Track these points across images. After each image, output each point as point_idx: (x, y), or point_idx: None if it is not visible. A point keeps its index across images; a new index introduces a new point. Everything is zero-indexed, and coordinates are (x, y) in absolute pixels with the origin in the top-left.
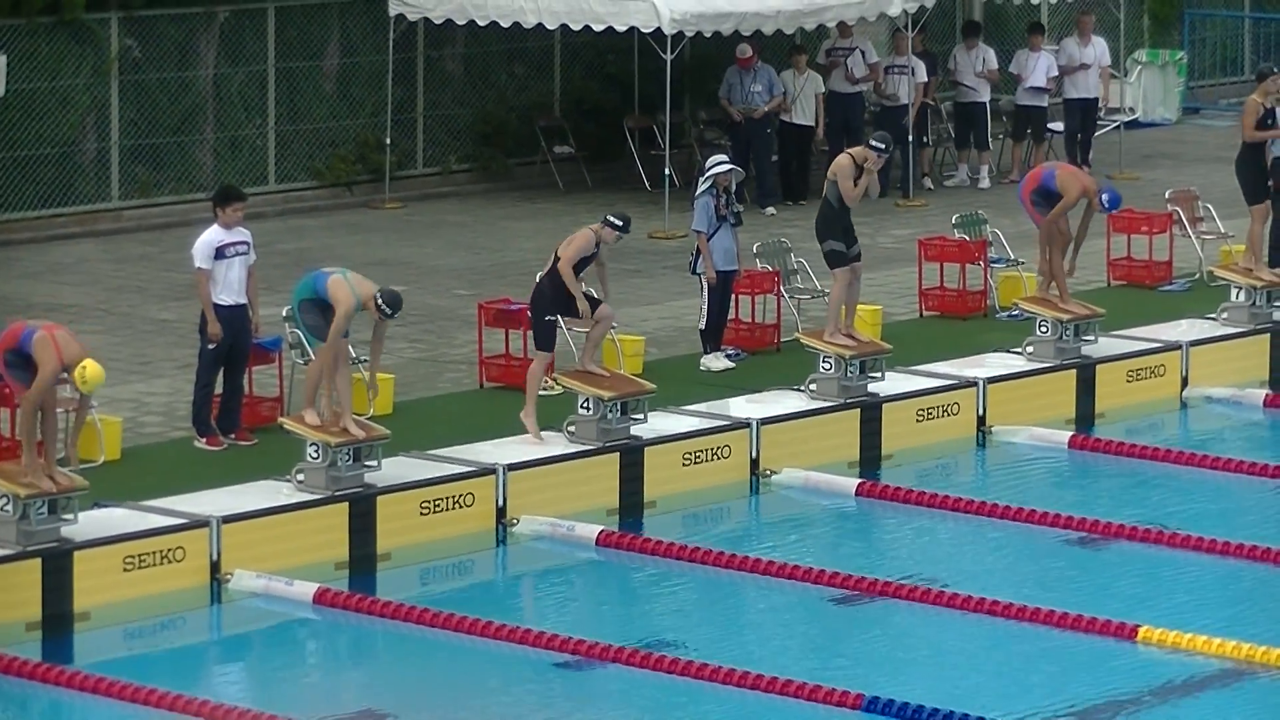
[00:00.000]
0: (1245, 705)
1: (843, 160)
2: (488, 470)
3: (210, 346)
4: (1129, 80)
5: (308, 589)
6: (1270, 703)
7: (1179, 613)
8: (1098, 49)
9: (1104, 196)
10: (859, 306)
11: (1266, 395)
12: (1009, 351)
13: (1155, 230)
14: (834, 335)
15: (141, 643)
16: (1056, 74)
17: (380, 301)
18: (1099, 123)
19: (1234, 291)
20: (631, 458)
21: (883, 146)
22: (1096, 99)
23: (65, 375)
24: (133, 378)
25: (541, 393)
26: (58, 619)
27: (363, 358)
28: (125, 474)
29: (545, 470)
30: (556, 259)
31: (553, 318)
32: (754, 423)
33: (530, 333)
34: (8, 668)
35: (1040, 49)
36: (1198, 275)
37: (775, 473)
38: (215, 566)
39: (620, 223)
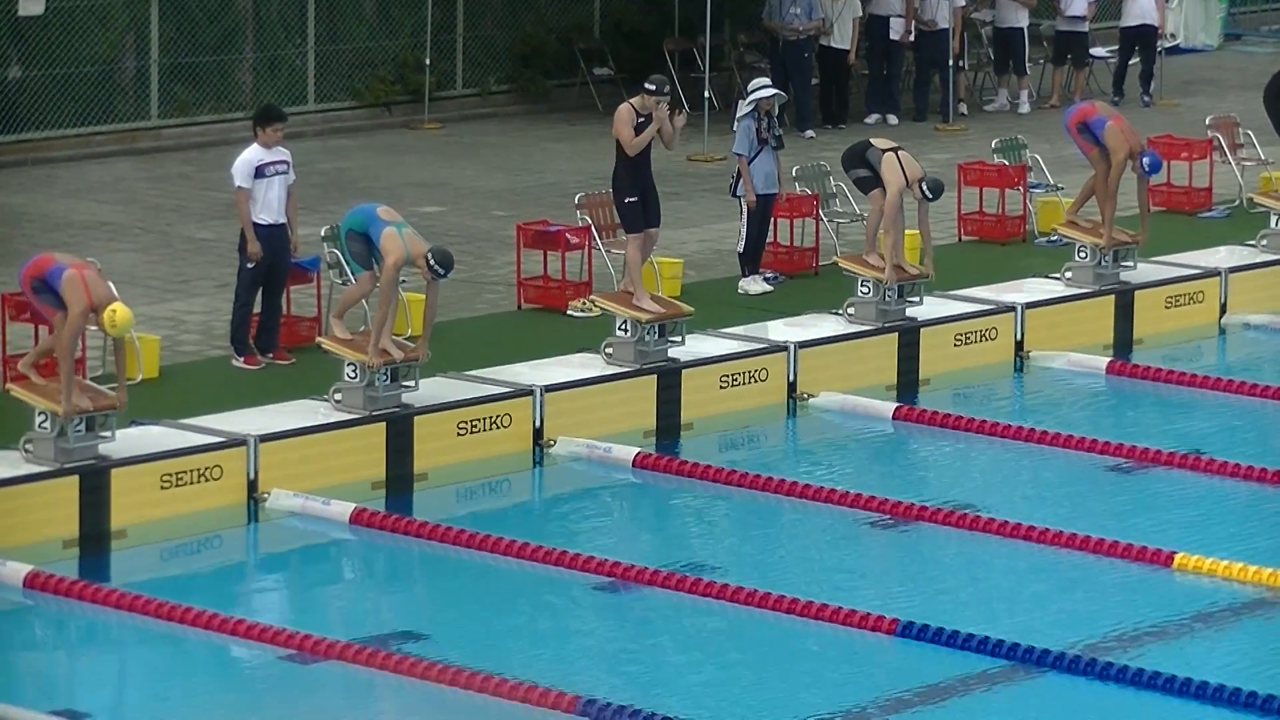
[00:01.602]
0: None
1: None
2: (525, 391)
3: (249, 265)
4: (1170, 6)
5: (344, 509)
6: None
7: (1215, 540)
8: None
9: (1145, 160)
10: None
11: None
12: (1047, 277)
13: (1195, 156)
14: (870, 255)
15: (178, 561)
16: (1096, 0)
17: (432, 260)
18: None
19: (1274, 218)
20: (669, 380)
21: (653, 88)
22: (1152, 26)
23: (93, 316)
24: (170, 296)
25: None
26: (95, 537)
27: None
28: (163, 392)
29: (582, 391)
30: (618, 143)
31: (633, 199)
32: (791, 346)
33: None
34: (45, 584)
35: None
36: (1237, 202)
37: (813, 396)
38: (252, 485)
39: (654, 86)
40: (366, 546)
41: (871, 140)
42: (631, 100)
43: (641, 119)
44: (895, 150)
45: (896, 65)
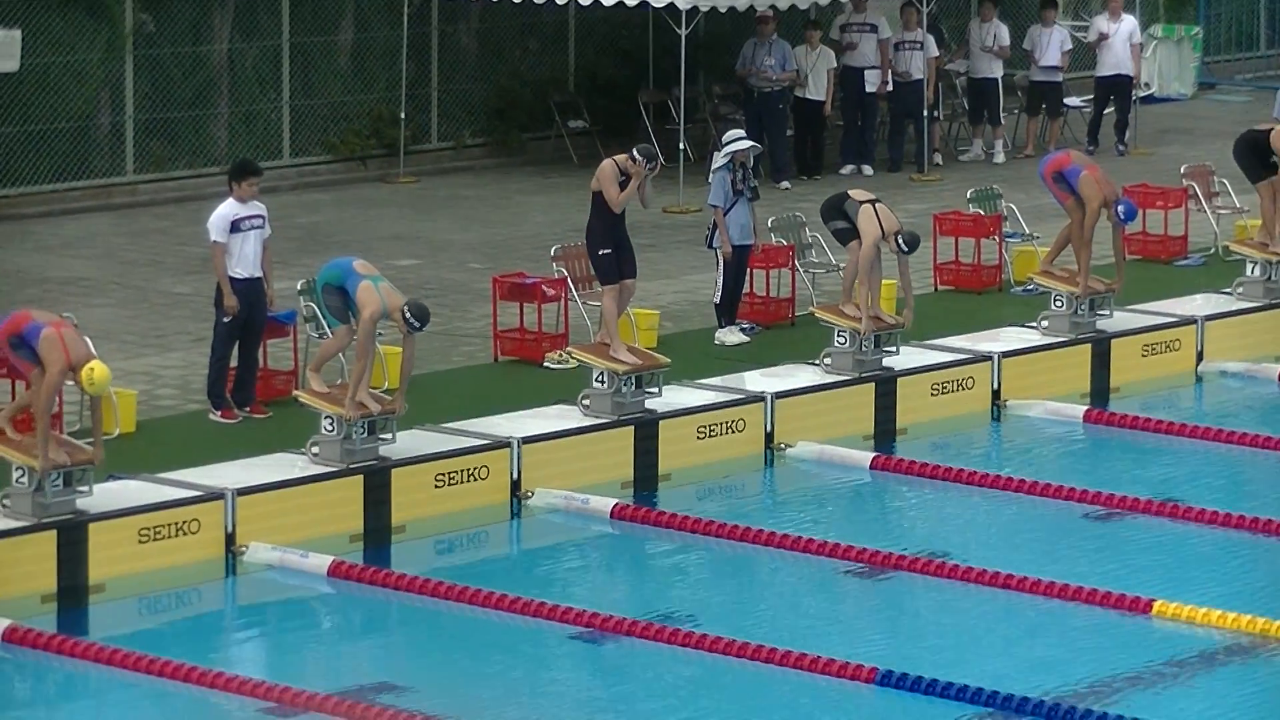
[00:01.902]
0: (1259, 680)
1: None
2: (502, 443)
3: (225, 320)
4: (1145, 55)
5: (322, 561)
6: None
7: (1193, 587)
8: (1127, 25)
9: (1120, 208)
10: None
11: None
12: (1024, 326)
13: (1170, 205)
14: (847, 305)
15: (156, 615)
16: (1070, 48)
17: (408, 314)
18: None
19: (1249, 266)
20: (646, 431)
21: (642, 159)
22: (1128, 76)
23: (71, 376)
24: (147, 351)
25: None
26: (73, 591)
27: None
28: (140, 447)
29: (560, 443)
30: (596, 195)
31: (607, 250)
32: (769, 396)
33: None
34: (23, 639)
35: (1054, 24)
36: (1213, 250)
37: (790, 446)
38: (230, 539)
39: (641, 157)
40: (345, 599)
41: (849, 192)
42: (615, 158)
43: (623, 178)
44: (873, 202)
45: (871, 116)
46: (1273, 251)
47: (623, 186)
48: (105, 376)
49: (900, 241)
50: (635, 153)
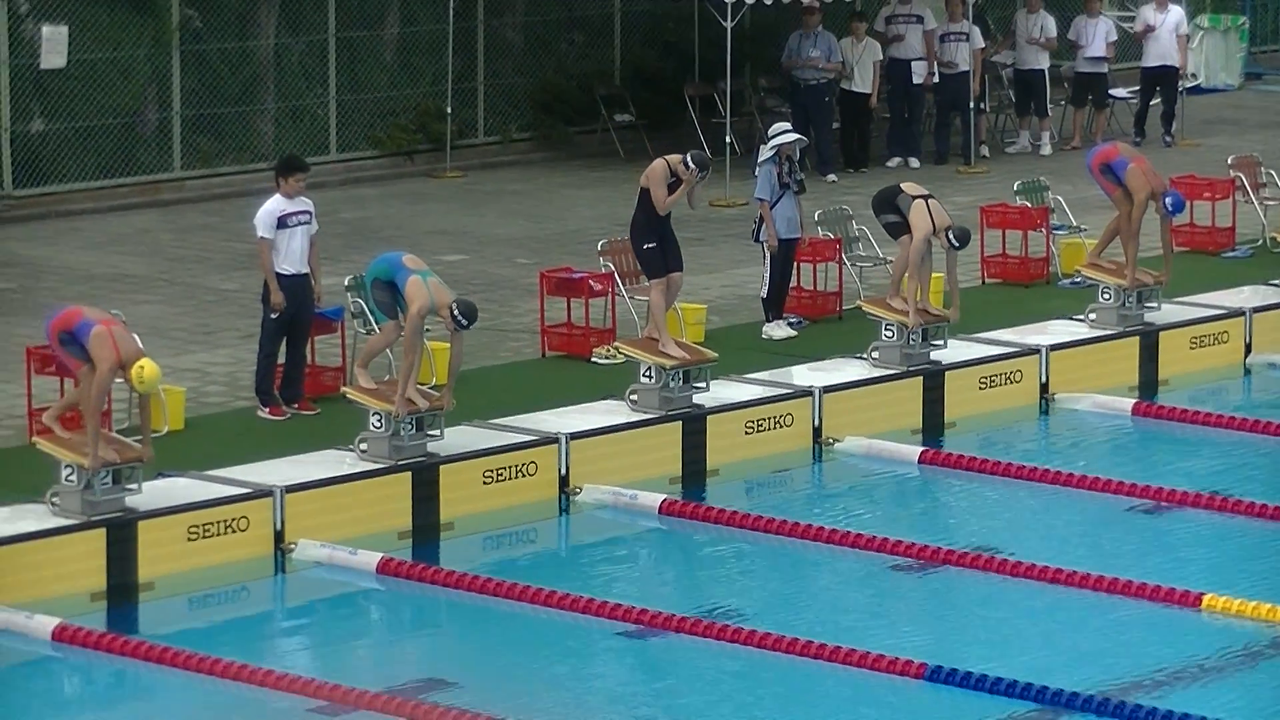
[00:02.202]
0: None
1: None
2: (550, 439)
3: (273, 316)
4: (1191, 46)
5: (371, 558)
6: None
7: (1243, 581)
8: (1173, 16)
9: (1168, 200)
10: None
11: None
12: (1071, 318)
13: (1218, 196)
14: (894, 299)
15: (205, 613)
16: (1115, 39)
17: (456, 311)
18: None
19: None
20: (694, 426)
21: (694, 166)
22: (1173, 67)
23: (121, 374)
24: (195, 347)
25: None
26: (122, 589)
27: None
28: (188, 444)
29: (608, 439)
30: (643, 191)
31: (652, 244)
32: (816, 390)
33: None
34: (73, 637)
35: (1099, 14)
36: (1260, 241)
37: (838, 441)
38: (279, 536)
39: (694, 165)
40: (393, 596)
41: (902, 186)
42: (668, 158)
43: (673, 179)
44: (926, 198)
45: (918, 108)
46: None
47: (671, 189)
48: (155, 375)
49: (951, 236)
50: (689, 159)
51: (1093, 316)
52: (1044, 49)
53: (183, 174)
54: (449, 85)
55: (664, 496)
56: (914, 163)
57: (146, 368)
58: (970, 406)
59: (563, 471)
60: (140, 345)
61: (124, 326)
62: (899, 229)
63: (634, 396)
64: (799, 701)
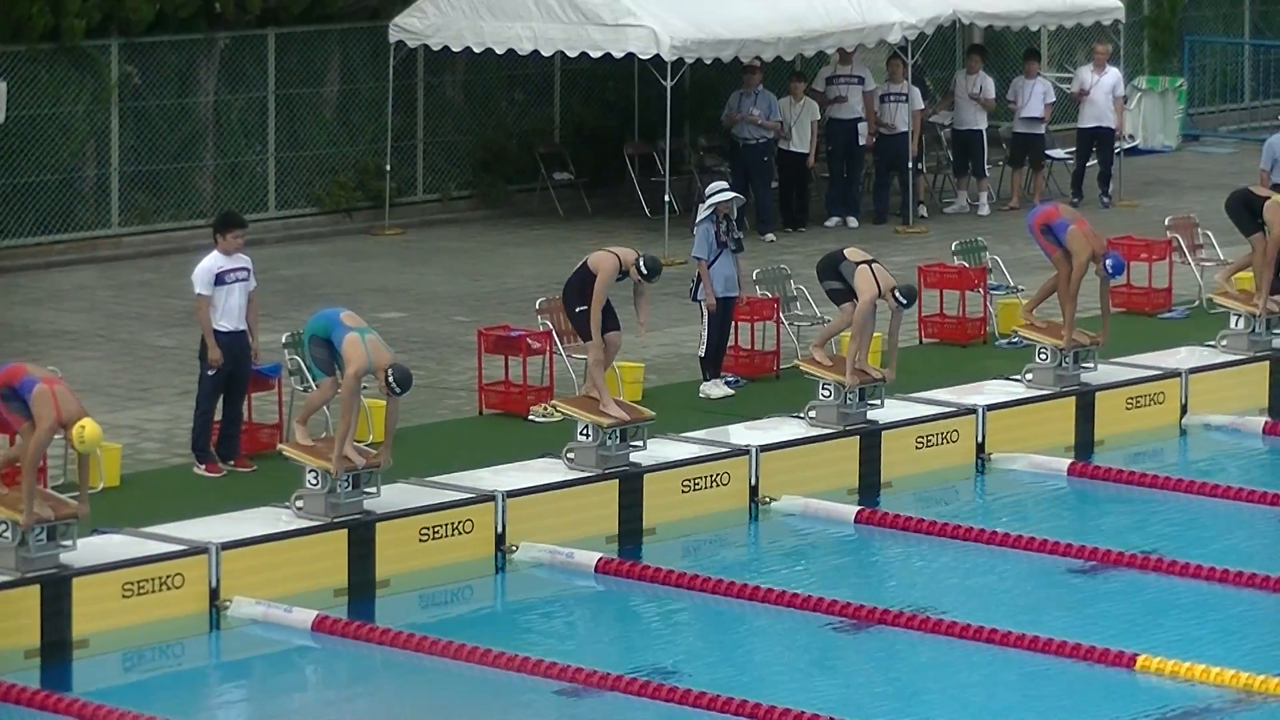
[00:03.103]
0: None
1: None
2: (487, 497)
3: (210, 373)
4: (1129, 107)
5: (307, 616)
6: None
7: (1178, 641)
8: (1110, 78)
9: (1108, 263)
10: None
11: (1266, 423)
12: (1008, 379)
13: (1155, 257)
14: (818, 350)
15: (140, 670)
16: (1052, 100)
17: (391, 378)
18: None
19: (1233, 318)
20: (631, 484)
21: (646, 273)
22: (1109, 128)
23: (61, 432)
24: (132, 404)
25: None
26: (57, 646)
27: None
28: (124, 500)
29: (544, 497)
30: (585, 266)
31: (584, 308)
32: (753, 449)
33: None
34: (6, 695)
35: (1036, 75)
36: (1197, 302)
37: (774, 500)
38: (214, 593)
39: (646, 271)
40: (329, 653)
41: (845, 253)
42: (620, 254)
43: (621, 275)
44: (869, 263)
45: (857, 168)
46: (1255, 304)
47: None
48: (96, 435)
49: (898, 295)
50: (642, 264)
51: (1029, 377)
52: (983, 108)
53: (121, 230)
54: (388, 143)
55: (600, 555)
56: (853, 222)
57: (88, 428)
58: (907, 466)
59: (499, 529)
60: (81, 405)
61: (66, 386)
62: (842, 296)
63: (571, 455)
64: None
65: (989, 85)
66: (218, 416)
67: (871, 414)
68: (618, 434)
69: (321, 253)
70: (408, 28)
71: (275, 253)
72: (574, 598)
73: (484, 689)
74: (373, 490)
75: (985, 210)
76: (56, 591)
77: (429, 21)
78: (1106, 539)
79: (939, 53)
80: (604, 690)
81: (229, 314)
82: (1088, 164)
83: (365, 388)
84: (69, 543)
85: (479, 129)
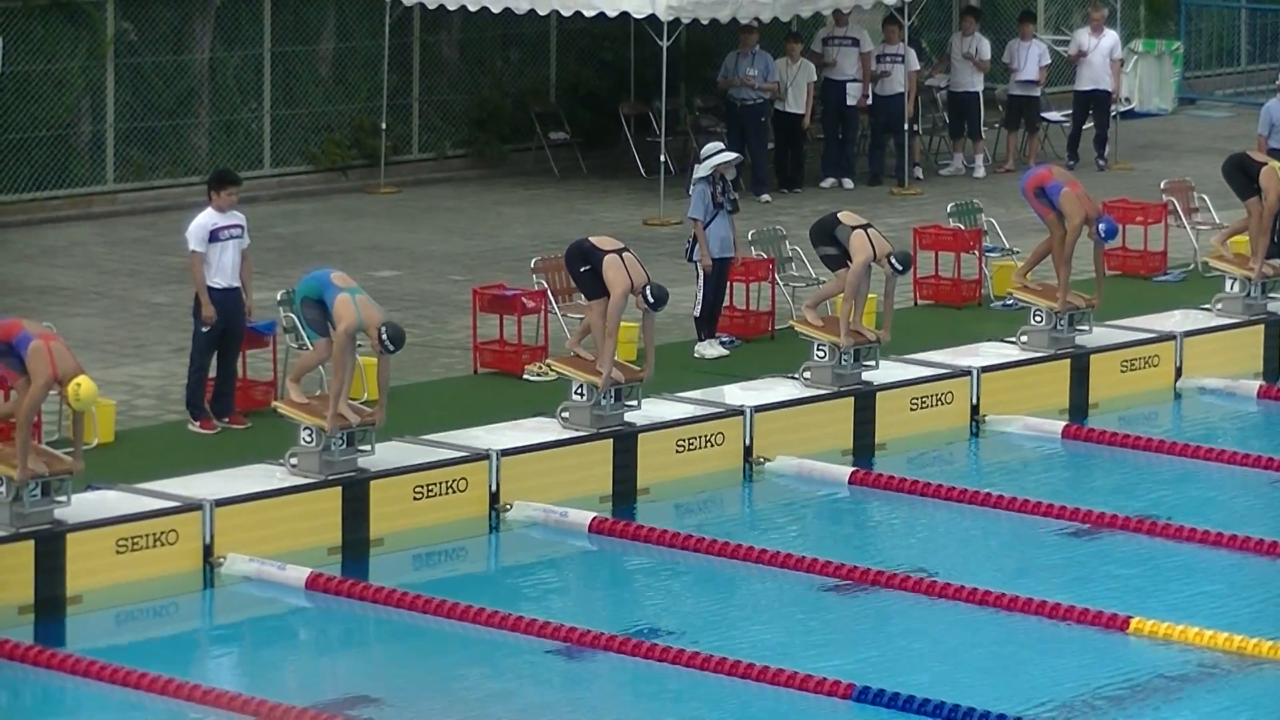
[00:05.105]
0: (1236, 698)
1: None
2: (481, 455)
3: (204, 330)
4: (1125, 70)
5: (300, 574)
6: (1261, 696)
7: (1170, 604)
8: (1107, 41)
9: (1101, 226)
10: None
11: (1260, 386)
12: (1003, 341)
13: (1150, 220)
14: (809, 311)
15: (134, 626)
16: (1048, 63)
17: (384, 335)
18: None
19: (1228, 282)
20: (625, 444)
21: (652, 300)
22: (1106, 91)
23: (57, 388)
24: (126, 361)
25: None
26: (50, 602)
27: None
28: (118, 457)
29: (539, 456)
30: (597, 262)
31: (587, 268)
32: (748, 410)
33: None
34: (0, 650)
35: (1032, 38)
36: (1192, 266)
37: (768, 460)
38: (208, 550)
39: (653, 300)
40: (322, 612)
41: (840, 216)
42: (632, 274)
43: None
44: (865, 227)
45: (852, 130)
46: (1251, 268)
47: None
48: (92, 392)
49: (893, 261)
50: (647, 292)
51: (1024, 339)
52: (977, 69)
53: (116, 187)
54: (384, 101)
55: (594, 515)
56: (848, 184)
57: (83, 385)
58: (901, 428)
59: (493, 488)
60: (77, 362)
61: (62, 342)
62: (837, 261)
63: (565, 414)
64: None
65: (984, 46)
66: (212, 373)
67: (866, 375)
68: (612, 393)
69: (316, 210)
70: None
71: (270, 210)
72: (567, 557)
73: (476, 648)
74: (367, 448)
75: (981, 172)
76: (50, 547)
77: None
78: (1100, 501)
79: (935, 14)
80: (596, 650)
81: (223, 271)
82: (1084, 127)
83: (360, 345)
84: (63, 498)
85: (474, 88)
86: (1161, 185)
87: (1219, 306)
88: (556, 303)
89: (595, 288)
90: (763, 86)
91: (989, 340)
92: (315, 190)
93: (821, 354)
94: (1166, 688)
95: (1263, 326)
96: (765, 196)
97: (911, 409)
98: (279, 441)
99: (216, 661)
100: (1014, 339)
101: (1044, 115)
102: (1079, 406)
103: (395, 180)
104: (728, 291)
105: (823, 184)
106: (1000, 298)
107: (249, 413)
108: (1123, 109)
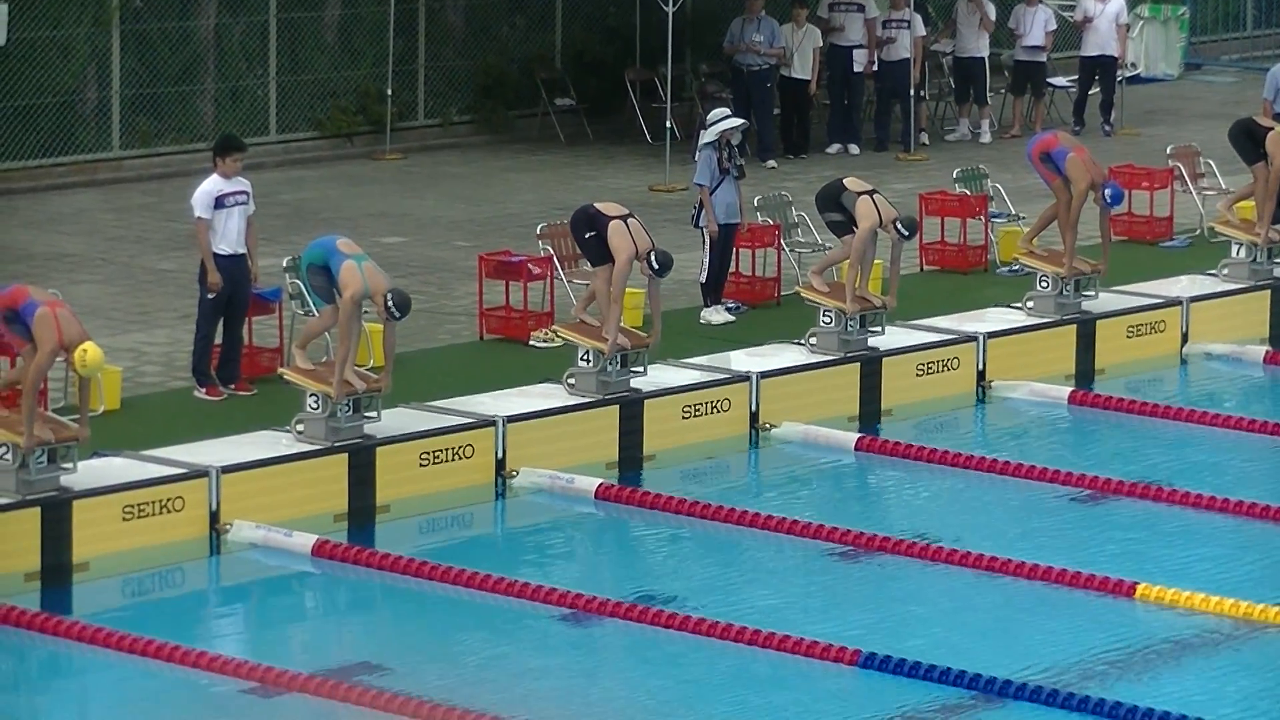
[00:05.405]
0: (1242, 664)
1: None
2: (487, 422)
3: (209, 296)
4: (1131, 36)
5: (306, 540)
6: (1267, 662)
7: (1177, 570)
8: (1114, 6)
9: (1106, 191)
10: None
11: (1266, 352)
12: (1009, 306)
13: (1156, 186)
14: (815, 277)
15: (140, 593)
16: (1054, 28)
17: (390, 302)
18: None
19: (1234, 248)
20: (631, 410)
21: (657, 267)
22: (1112, 57)
23: (63, 355)
24: (132, 327)
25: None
26: (56, 569)
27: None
28: (124, 424)
29: (545, 422)
30: (602, 228)
31: (592, 233)
32: (754, 376)
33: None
34: (6, 618)
35: (1038, 3)
36: (1198, 231)
37: (774, 426)
38: (214, 517)
39: (657, 266)
40: (328, 578)
41: (845, 183)
42: (636, 240)
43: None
44: (870, 193)
45: (858, 95)
46: (1257, 233)
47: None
48: (98, 359)
49: (899, 226)
50: (653, 259)
51: (1030, 305)
52: (982, 30)
53: (121, 154)
54: (390, 67)
55: (600, 481)
56: (854, 150)
57: (89, 352)
58: (907, 394)
59: (499, 455)
60: (83, 329)
61: (69, 309)
62: (842, 228)
63: (571, 380)
64: (733, 687)
65: (990, 10)
66: (218, 340)
67: (872, 341)
68: (618, 360)
69: (322, 177)
70: None
71: (275, 177)
72: (574, 523)
73: (483, 615)
74: (373, 415)
75: (987, 138)
76: (57, 514)
77: None
78: (1107, 468)
79: None
80: (603, 616)
81: (228, 237)
82: (1090, 92)
83: (366, 312)
84: (69, 465)
85: (480, 54)
86: (1167, 150)
87: (1225, 272)
88: (562, 269)
89: (600, 254)
90: (768, 52)
91: (995, 306)
92: (321, 157)
93: (827, 320)
94: (1172, 654)
95: (1269, 292)
96: (771, 162)
97: (917, 375)
98: (285, 408)
99: (222, 628)
100: (1020, 305)
101: (1050, 81)
102: (1085, 372)
103: (401, 147)
104: (734, 257)
105: (829, 150)
106: (1006, 263)
107: (255, 379)
108: (1129, 74)
